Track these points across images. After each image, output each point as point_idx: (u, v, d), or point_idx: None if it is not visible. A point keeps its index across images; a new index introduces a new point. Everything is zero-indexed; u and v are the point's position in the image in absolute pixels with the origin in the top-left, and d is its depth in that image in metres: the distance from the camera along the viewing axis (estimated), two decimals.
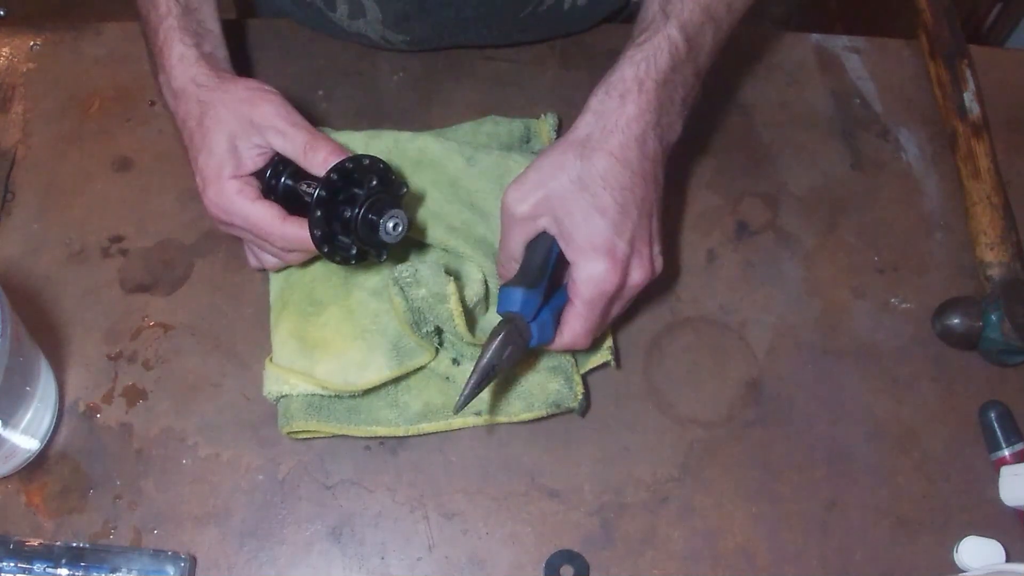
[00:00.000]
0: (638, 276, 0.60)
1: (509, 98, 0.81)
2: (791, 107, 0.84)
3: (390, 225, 0.59)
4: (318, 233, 0.58)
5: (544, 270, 0.61)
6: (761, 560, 0.65)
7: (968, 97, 0.81)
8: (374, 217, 0.59)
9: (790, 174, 0.80)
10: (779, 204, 0.79)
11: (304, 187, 0.63)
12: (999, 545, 0.64)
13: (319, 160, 0.59)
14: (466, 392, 0.57)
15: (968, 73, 0.82)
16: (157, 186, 0.76)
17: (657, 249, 0.62)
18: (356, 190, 0.59)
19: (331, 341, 0.65)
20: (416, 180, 0.70)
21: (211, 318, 0.71)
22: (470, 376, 0.57)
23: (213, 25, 0.67)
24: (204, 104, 0.62)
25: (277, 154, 0.62)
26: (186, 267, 0.73)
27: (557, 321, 0.61)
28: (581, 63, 0.85)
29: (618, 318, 0.65)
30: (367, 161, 0.60)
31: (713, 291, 0.74)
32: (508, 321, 0.58)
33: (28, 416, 0.62)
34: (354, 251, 0.60)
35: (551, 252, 0.61)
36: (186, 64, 0.63)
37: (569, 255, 0.60)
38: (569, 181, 0.59)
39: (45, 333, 0.69)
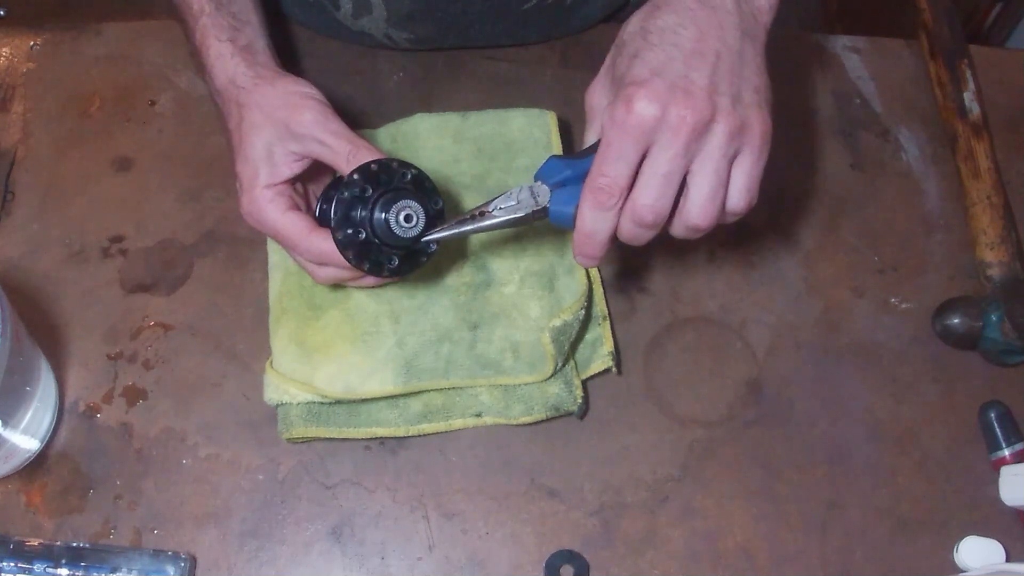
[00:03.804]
0: (685, 114, 0.50)
1: (509, 98, 0.80)
2: (791, 107, 0.84)
3: (401, 217, 0.55)
4: (340, 237, 0.55)
5: (591, 150, 0.55)
6: (761, 560, 0.65)
7: (968, 97, 0.81)
8: (381, 214, 0.55)
9: (790, 174, 0.80)
10: (779, 204, 0.79)
11: None
12: (999, 545, 0.64)
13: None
14: (444, 225, 0.56)
15: (968, 73, 0.82)
16: (157, 186, 0.76)
17: (727, 97, 0.52)
18: (373, 187, 0.55)
19: (331, 344, 0.65)
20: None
21: (211, 318, 0.71)
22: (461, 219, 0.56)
23: (250, 15, 0.65)
24: (242, 107, 0.60)
25: (331, 174, 0.60)
26: (186, 267, 0.73)
27: None
28: (581, 63, 0.85)
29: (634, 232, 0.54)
30: (396, 164, 0.56)
31: (713, 291, 0.74)
32: (532, 186, 0.56)
33: (28, 416, 0.62)
34: (395, 262, 0.56)
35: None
36: (223, 62, 0.61)
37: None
38: (619, 45, 0.56)
39: (45, 333, 0.69)
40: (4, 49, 0.82)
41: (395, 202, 0.56)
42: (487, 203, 0.56)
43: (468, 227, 0.56)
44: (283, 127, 0.58)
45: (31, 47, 0.82)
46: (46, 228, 0.74)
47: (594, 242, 0.55)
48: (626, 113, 0.51)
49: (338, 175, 0.60)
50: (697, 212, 0.53)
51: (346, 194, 0.56)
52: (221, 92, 0.62)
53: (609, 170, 0.52)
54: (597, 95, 0.58)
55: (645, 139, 0.52)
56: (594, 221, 0.54)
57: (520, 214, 0.56)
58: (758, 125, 0.53)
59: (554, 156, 0.57)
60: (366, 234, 0.56)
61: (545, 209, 0.56)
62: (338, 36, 0.83)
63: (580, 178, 0.55)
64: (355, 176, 0.55)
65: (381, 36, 0.80)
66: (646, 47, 0.53)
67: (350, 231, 0.56)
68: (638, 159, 0.52)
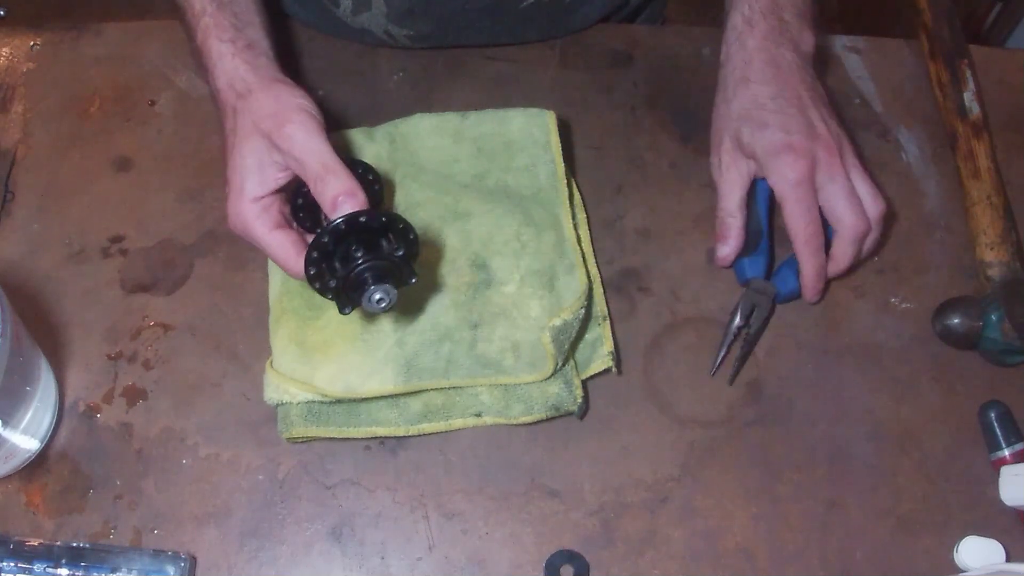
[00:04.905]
0: (825, 153, 0.67)
1: (509, 98, 0.81)
2: None
3: (376, 296, 0.55)
4: (317, 286, 0.57)
5: (758, 230, 0.72)
6: (761, 560, 0.65)
7: (968, 97, 0.81)
8: (368, 277, 0.55)
9: None
10: (779, 204, 0.78)
11: (322, 215, 0.60)
12: (999, 545, 0.64)
13: (327, 198, 0.56)
14: (720, 356, 0.70)
15: (968, 73, 0.82)
16: (157, 186, 0.76)
17: (833, 124, 0.69)
18: (342, 256, 0.56)
19: (331, 344, 0.65)
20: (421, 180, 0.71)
21: (211, 318, 0.71)
22: (720, 343, 0.70)
23: (252, 16, 0.65)
24: (236, 112, 0.60)
25: None
26: (186, 267, 0.73)
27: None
28: (581, 63, 0.85)
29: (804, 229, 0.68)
30: (364, 219, 0.55)
31: (713, 291, 0.74)
32: (747, 289, 0.71)
33: (28, 416, 0.62)
34: (347, 310, 0.57)
35: (759, 212, 0.72)
36: (223, 63, 0.61)
37: (765, 175, 0.69)
38: (733, 121, 0.70)
39: (45, 333, 0.69)
40: (4, 49, 0.82)
41: (378, 279, 0.55)
42: (733, 322, 0.70)
43: (737, 347, 0.71)
44: (268, 138, 0.58)
45: (31, 47, 0.82)
46: (46, 228, 0.74)
47: (821, 278, 0.69)
48: (793, 182, 0.67)
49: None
50: (875, 204, 0.69)
51: (316, 254, 0.56)
52: (219, 95, 0.62)
53: (805, 219, 0.67)
54: (725, 159, 0.71)
55: (811, 185, 0.67)
56: (817, 264, 0.68)
57: (766, 313, 0.71)
58: (845, 139, 0.70)
59: (736, 261, 0.72)
60: (335, 284, 0.56)
61: (774, 297, 0.71)
62: (338, 34, 0.83)
63: (786, 265, 0.72)
64: (324, 240, 0.55)
65: (381, 33, 0.80)
66: (769, 118, 0.68)
67: (323, 276, 0.57)
68: (816, 202, 0.68)
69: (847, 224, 0.67)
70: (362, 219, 0.55)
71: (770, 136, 0.67)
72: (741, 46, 0.70)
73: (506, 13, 0.80)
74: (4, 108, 0.79)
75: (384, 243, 0.57)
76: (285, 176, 0.60)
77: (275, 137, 0.58)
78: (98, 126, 0.79)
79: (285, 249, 0.59)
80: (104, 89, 0.80)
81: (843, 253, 0.69)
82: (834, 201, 0.67)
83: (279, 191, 0.61)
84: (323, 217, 0.61)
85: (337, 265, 0.57)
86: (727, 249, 0.71)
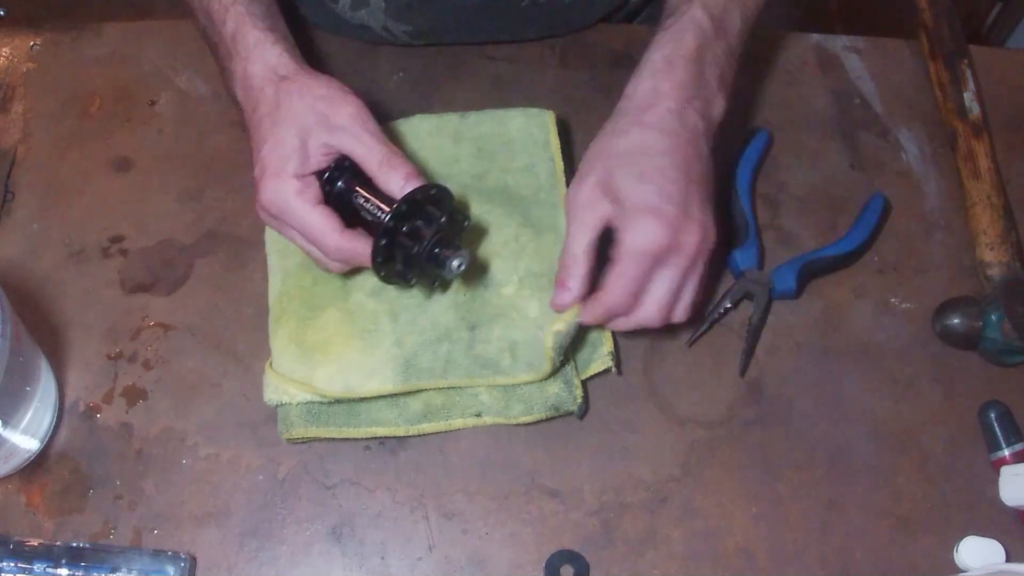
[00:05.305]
0: (691, 239, 0.59)
1: (509, 98, 0.81)
2: (791, 107, 0.84)
3: (454, 263, 0.59)
4: (380, 259, 0.58)
5: (744, 223, 0.73)
6: (761, 560, 0.65)
7: (968, 97, 0.81)
8: (439, 251, 0.59)
9: (790, 174, 0.80)
10: (779, 204, 0.79)
11: (360, 201, 0.60)
12: (999, 545, 0.64)
13: (395, 179, 0.58)
14: (699, 330, 0.72)
15: (968, 73, 0.82)
16: (157, 186, 0.76)
17: (710, 217, 0.61)
18: (424, 223, 0.59)
19: (330, 343, 0.65)
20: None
21: (211, 318, 0.71)
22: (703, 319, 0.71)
23: (277, 11, 0.66)
24: (281, 93, 0.60)
25: (337, 158, 0.60)
26: (186, 267, 0.73)
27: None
28: (581, 63, 0.85)
29: (670, 303, 0.61)
30: (435, 191, 0.59)
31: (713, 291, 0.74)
32: (741, 279, 0.73)
33: (28, 416, 0.62)
34: (413, 281, 0.61)
35: (743, 205, 0.73)
36: (263, 49, 0.61)
37: (620, 224, 0.60)
38: (612, 158, 0.61)
39: (45, 333, 0.69)
40: (4, 49, 0.82)
41: (450, 246, 0.59)
42: (722, 303, 0.72)
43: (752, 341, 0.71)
44: (323, 117, 0.59)
45: (31, 47, 0.82)
46: (46, 228, 0.74)
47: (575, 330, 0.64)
48: (642, 250, 0.59)
49: (344, 160, 0.60)
50: (683, 314, 0.63)
51: (393, 224, 0.58)
52: (253, 79, 0.61)
53: (631, 288, 0.60)
54: (586, 196, 0.62)
55: (655, 262, 0.60)
56: (593, 321, 0.62)
57: (763, 304, 0.72)
58: (714, 237, 0.62)
59: (735, 253, 0.73)
60: (406, 262, 0.60)
61: (770, 289, 0.72)
62: (337, 30, 0.83)
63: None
64: (402, 207, 0.58)
65: (379, 29, 0.80)
66: (652, 174, 0.60)
67: (391, 256, 0.59)
68: (649, 281, 0.60)
69: (643, 314, 0.61)
70: (433, 191, 0.59)
71: (645, 192, 0.59)
72: (653, 87, 0.63)
73: (505, 10, 0.80)
74: (4, 108, 0.79)
75: (436, 214, 0.59)
76: (326, 160, 0.60)
77: (333, 116, 0.59)
78: (98, 126, 0.79)
79: (330, 226, 0.59)
80: (104, 89, 0.81)
81: (618, 322, 0.63)
82: (658, 286, 0.61)
83: (315, 174, 0.60)
84: (356, 202, 0.61)
85: (404, 241, 0.59)
86: (567, 296, 0.62)
